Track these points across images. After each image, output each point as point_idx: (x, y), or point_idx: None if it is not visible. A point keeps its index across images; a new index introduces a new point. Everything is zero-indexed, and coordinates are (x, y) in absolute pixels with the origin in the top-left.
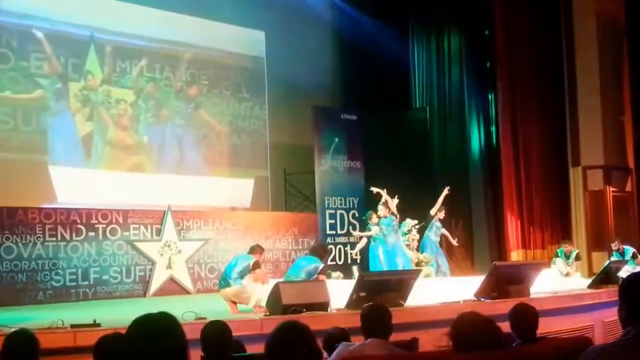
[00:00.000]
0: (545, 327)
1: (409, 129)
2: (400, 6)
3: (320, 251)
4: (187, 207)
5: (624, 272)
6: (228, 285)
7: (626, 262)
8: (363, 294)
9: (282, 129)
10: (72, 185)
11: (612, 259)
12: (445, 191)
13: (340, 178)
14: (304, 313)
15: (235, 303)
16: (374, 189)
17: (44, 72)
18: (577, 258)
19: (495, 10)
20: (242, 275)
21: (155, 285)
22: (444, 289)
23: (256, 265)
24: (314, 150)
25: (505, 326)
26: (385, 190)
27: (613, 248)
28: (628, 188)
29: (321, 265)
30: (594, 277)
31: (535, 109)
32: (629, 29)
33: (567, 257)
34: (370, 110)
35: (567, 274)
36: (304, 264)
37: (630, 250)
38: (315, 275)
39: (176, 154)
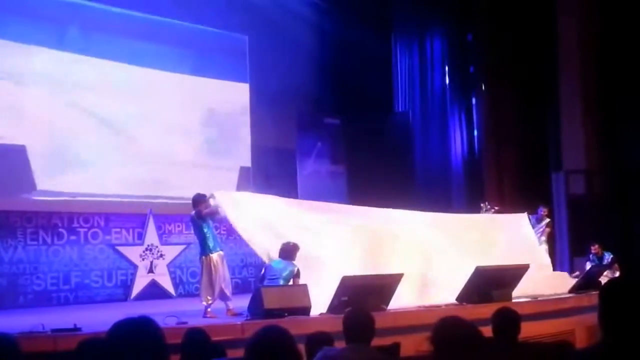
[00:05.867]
0: (527, 331)
1: (392, 132)
2: (383, 10)
3: (290, 252)
4: (167, 208)
5: (604, 278)
6: None
7: (607, 267)
8: (345, 298)
9: (265, 132)
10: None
11: (589, 263)
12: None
13: (322, 182)
14: (285, 317)
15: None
16: None
17: None
18: (548, 226)
19: (478, 15)
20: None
21: (136, 289)
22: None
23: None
24: (296, 154)
25: (487, 330)
26: None
27: (592, 251)
28: (610, 192)
29: (295, 268)
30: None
31: (517, 114)
32: (611, 34)
33: (538, 221)
34: (353, 115)
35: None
36: (279, 270)
37: (608, 255)
38: (292, 280)
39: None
